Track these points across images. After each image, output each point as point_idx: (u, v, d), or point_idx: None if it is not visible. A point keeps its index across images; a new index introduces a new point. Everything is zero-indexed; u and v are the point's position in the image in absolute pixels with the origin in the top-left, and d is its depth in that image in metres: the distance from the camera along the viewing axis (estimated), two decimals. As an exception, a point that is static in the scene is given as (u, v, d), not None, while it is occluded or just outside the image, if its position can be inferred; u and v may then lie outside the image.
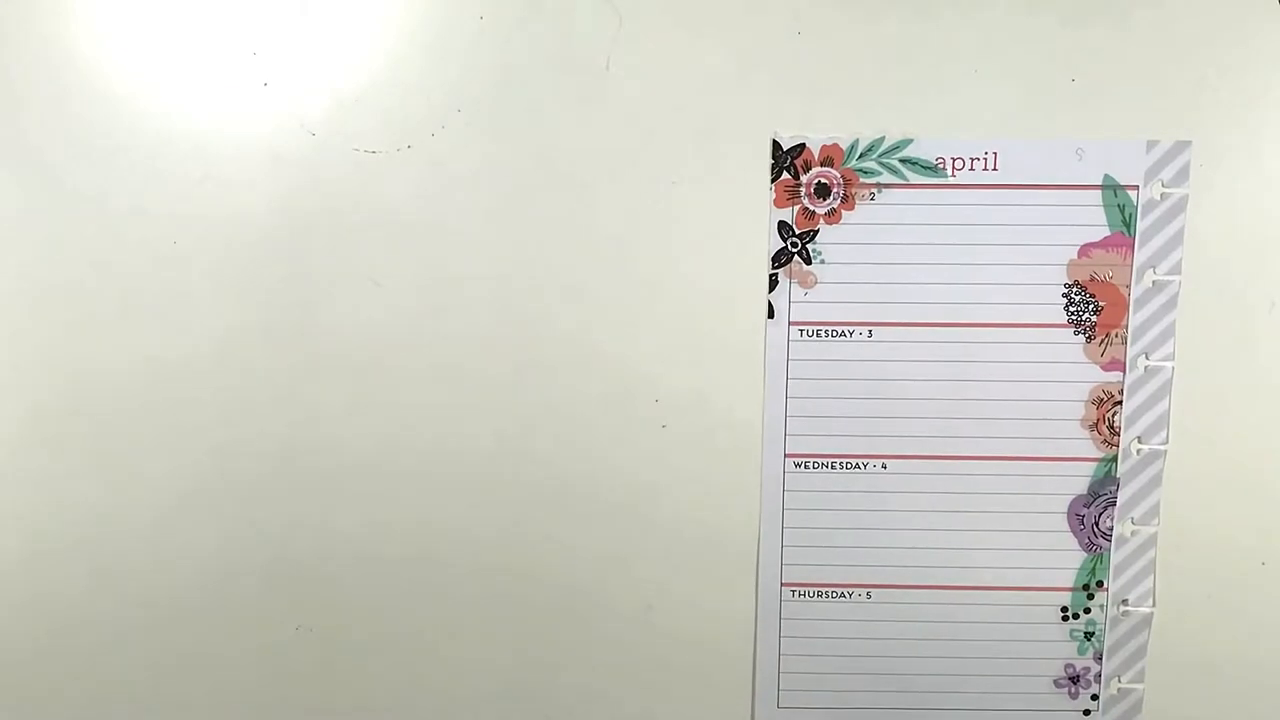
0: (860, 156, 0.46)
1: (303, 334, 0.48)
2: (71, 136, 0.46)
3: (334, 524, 0.49)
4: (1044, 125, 0.45)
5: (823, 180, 0.46)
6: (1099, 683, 0.50)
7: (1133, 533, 0.48)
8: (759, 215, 0.47)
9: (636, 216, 0.46)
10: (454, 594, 0.50)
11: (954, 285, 0.47)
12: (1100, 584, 0.49)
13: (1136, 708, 0.49)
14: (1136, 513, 0.48)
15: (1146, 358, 0.47)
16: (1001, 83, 0.45)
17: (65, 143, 0.46)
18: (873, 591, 0.49)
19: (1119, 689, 0.50)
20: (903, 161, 0.46)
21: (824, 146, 0.46)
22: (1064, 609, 0.49)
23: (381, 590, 0.50)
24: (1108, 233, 0.46)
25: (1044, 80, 0.45)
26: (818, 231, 0.47)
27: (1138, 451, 0.48)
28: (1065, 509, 0.48)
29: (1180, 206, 0.46)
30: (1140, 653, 0.49)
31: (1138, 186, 0.46)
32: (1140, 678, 0.49)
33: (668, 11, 0.45)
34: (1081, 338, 0.47)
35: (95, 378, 0.48)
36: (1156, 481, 0.48)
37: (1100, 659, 0.49)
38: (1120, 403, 0.47)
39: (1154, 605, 0.49)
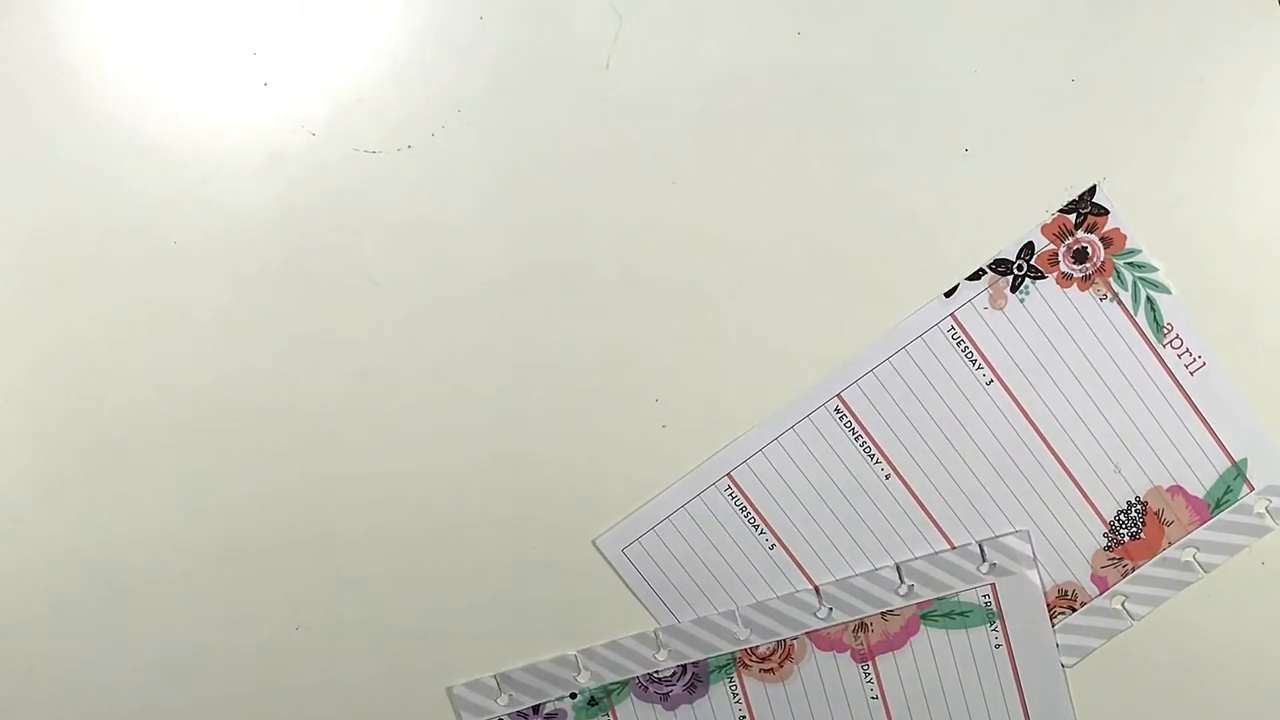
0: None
1: (302, 334, 0.47)
2: (71, 137, 0.46)
3: (333, 523, 0.49)
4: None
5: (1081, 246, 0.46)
6: None
7: None
8: (759, 216, 0.47)
9: (637, 216, 0.47)
10: (455, 595, 0.50)
11: None
12: None
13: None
14: None
15: None
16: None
17: (64, 143, 0.46)
18: None
19: None
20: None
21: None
22: None
23: (381, 591, 0.50)
24: None
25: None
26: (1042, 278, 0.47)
27: None
28: None
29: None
30: None
31: None
32: None
33: (668, 12, 0.45)
34: None
35: (94, 377, 0.48)
36: None
37: None
38: None
39: None
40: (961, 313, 0.46)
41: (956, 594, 0.48)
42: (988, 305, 0.46)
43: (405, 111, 0.46)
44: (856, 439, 0.47)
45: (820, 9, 0.45)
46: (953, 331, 0.46)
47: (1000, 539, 0.48)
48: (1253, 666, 0.49)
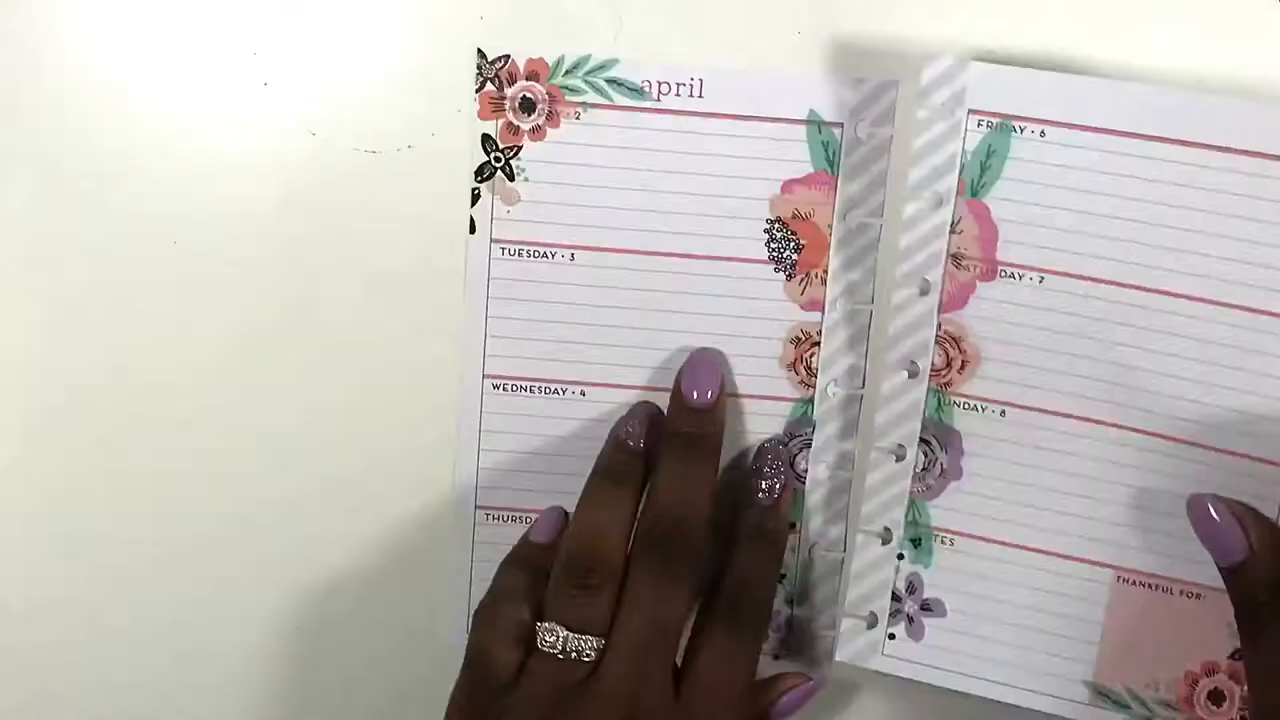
0: (566, 74, 0.45)
1: (303, 334, 0.47)
2: (71, 137, 0.45)
3: (334, 523, 0.49)
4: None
5: (528, 95, 0.45)
6: (789, 627, 0.50)
7: (828, 477, 0.48)
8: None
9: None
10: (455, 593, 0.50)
11: (656, 213, 0.46)
12: (793, 525, 0.48)
13: (828, 654, 0.49)
14: (830, 457, 0.48)
15: (846, 300, 0.46)
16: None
17: (64, 143, 0.45)
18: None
19: (816, 633, 0.50)
20: (609, 82, 0.45)
21: (529, 61, 0.45)
22: None
23: (381, 589, 0.50)
24: (811, 170, 0.45)
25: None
26: (522, 148, 0.46)
27: (833, 395, 0.47)
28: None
29: (884, 148, 0.45)
30: (831, 599, 0.49)
31: (842, 124, 0.45)
32: (832, 623, 0.49)
33: (668, 12, 0.45)
34: (782, 275, 0.46)
35: (94, 378, 0.48)
36: (852, 427, 0.47)
37: (791, 602, 0.49)
38: (818, 344, 0.47)
39: (844, 551, 0.48)
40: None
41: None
42: (504, 204, 0.46)
43: (405, 111, 0.45)
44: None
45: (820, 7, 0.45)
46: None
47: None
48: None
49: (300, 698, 0.51)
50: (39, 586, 0.50)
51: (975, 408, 0.46)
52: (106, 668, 0.51)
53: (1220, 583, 0.42)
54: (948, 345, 0.46)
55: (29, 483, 0.49)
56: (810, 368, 0.47)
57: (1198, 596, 0.45)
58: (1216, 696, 0.46)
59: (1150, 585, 0.46)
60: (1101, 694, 0.47)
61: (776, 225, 0.45)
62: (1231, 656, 0.45)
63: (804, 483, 0.48)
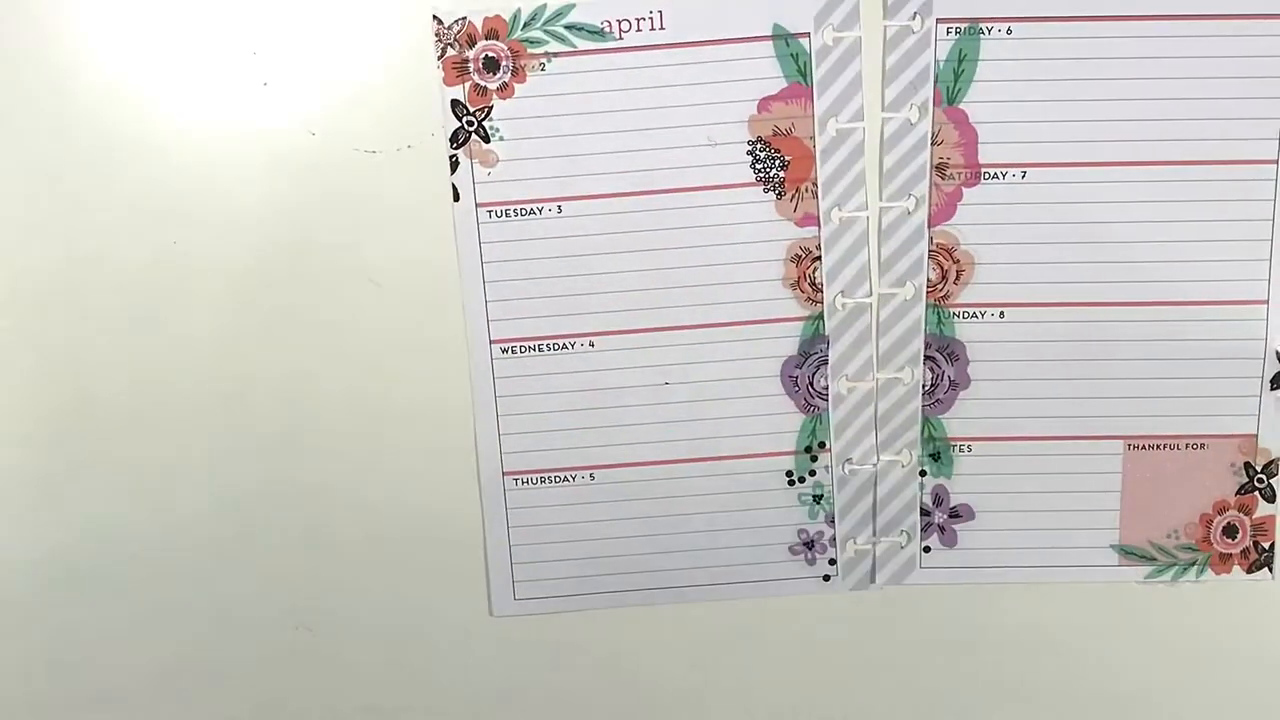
0: (524, 26, 0.45)
1: (303, 334, 0.48)
2: (71, 136, 0.47)
3: (333, 523, 0.49)
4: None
5: (490, 54, 0.46)
6: (834, 546, 0.48)
7: (849, 390, 0.47)
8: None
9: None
10: (453, 593, 0.49)
11: (636, 152, 0.46)
12: (822, 445, 0.47)
13: (874, 569, 0.49)
14: (850, 369, 0.47)
15: (839, 209, 0.46)
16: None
17: (65, 143, 0.47)
18: (595, 473, 0.48)
19: (855, 550, 0.48)
20: (568, 28, 0.45)
21: (487, 19, 0.45)
22: (789, 473, 0.48)
23: (381, 589, 0.49)
24: (785, 84, 0.45)
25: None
26: (492, 108, 0.46)
27: (843, 306, 0.46)
28: (778, 372, 0.47)
29: (855, 51, 0.44)
30: (870, 513, 0.48)
31: (809, 34, 0.44)
32: (873, 538, 0.48)
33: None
34: (772, 195, 0.46)
35: (94, 377, 0.48)
36: (866, 336, 0.47)
37: (832, 522, 0.48)
38: (819, 258, 0.46)
39: (878, 462, 0.47)
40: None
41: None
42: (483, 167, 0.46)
43: (405, 111, 0.46)
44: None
45: None
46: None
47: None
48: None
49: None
50: (39, 585, 0.49)
51: (975, 315, 0.46)
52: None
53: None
54: (941, 258, 0.46)
55: (24, 480, 0.49)
56: (815, 283, 0.46)
57: (1202, 446, 0.47)
58: (1230, 530, 0.48)
59: (1158, 446, 0.47)
60: (1128, 553, 0.48)
61: (759, 145, 0.45)
62: (1239, 493, 0.47)
63: (826, 399, 0.47)
